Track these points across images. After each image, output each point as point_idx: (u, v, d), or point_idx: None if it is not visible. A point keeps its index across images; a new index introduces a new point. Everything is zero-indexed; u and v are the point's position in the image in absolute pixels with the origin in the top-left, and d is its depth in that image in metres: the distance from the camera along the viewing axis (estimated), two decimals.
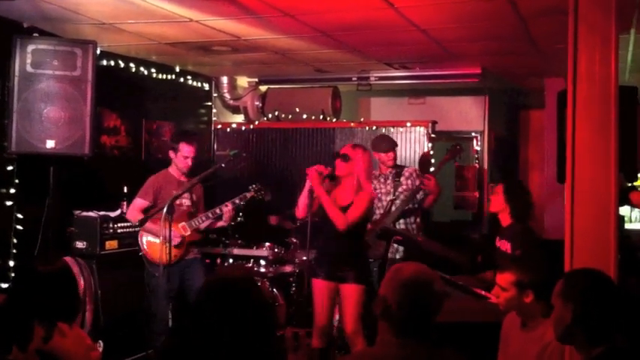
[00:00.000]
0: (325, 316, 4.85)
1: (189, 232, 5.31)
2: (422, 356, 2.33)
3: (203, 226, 5.43)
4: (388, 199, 6.03)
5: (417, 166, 6.71)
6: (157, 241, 5.03)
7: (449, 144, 8.22)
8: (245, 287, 2.30)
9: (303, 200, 4.83)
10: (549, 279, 3.19)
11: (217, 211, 5.34)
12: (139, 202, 5.33)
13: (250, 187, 5.48)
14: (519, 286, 3.25)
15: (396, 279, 2.41)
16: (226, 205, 5.32)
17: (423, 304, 2.36)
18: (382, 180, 6.13)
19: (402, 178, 6.07)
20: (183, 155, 5.39)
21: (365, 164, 4.82)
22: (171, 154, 5.47)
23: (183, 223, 5.30)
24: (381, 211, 6.03)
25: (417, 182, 5.96)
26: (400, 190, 6.02)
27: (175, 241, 5.17)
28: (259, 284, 2.45)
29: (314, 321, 4.93)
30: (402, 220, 5.98)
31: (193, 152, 5.43)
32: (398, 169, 6.15)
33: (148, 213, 5.21)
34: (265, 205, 5.85)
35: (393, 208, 5.96)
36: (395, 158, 6.15)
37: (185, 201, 5.38)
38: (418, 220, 6.11)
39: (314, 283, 4.91)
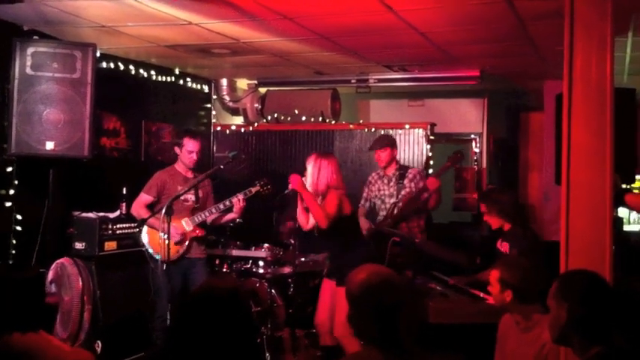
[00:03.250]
0: (325, 314, 4.91)
1: (191, 228, 5.32)
2: None
3: (210, 219, 5.42)
4: (391, 201, 5.95)
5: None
6: (159, 236, 5.05)
7: (448, 146, 8.27)
8: (230, 300, 2.30)
9: (302, 215, 5.04)
10: (534, 284, 3.23)
11: (227, 203, 5.32)
12: (144, 198, 5.37)
13: (256, 182, 5.44)
14: (502, 284, 3.32)
15: (347, 293, 2.38)
16: (237, 196, 5.29)
17: (377, 313, 2.28)
18: (385, 181, 6.05)
19: (406, 180, 5.95)
20: (187, 150, 5.41)
21: (315, 170, 4.91)
22: (177, 149, 5.51)
23: (186, 219, 5.31)
24: (384, 213, 5.97)
25: (421, 184, 5.87)
26: (403, 192, 5.92)
27: (176, 237, 5.18)
28: (247, 295, 2.43)
29: (315, 320, 5.04)
30: (404, 223, 5.89)
31: (198, 147, 5.45)
32: (402, 171, 6.04)
33: (153, 211, 5.21)
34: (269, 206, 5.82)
35: (396, 211, 5.88)
36: (387, 159, 5.99)
37: (190, 196, 5.38)
38: (422, 222, 6.00)
39: (322, 282, 5.09)
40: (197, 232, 5.38)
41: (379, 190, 6.07)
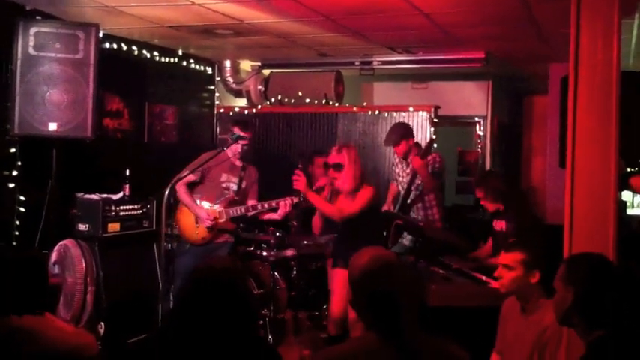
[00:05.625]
0: (340, 304, 4.86)
1: (224, 220, 5.23)
2: (406, 350, 2.18)
3: (251, 214, 5.31)
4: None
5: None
6: (189, 219, 5.16)
7: (452, 129, 8.27)
8: (230, 279, 2.30)
9: (317, 221, 5.04)
10: (552, 261, 3.21)
11: (273, 204, 5.19)
12: (188, 176, 5.23)
13: (296, 195, 5.13)
14: (527, 265, 3.26)
15: (350, 276, 2.32)
16: (284, 200, 5.13)
17: (374, 299, 2.22)
18: (404, 167, 5.95)
19: None
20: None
21: (353, 162, 4.86)
22: (228, 138, 5.40)
23: (222, 210, 5.23)
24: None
25: (437, 167, 5.71)
26: (419, 180, 5.72)
27: (207, 223, 5.16)
28: (245, 274, 2.43)
29: (329, 309, 5.02)
30: (422, 212, 5.80)
31: (248, 136, 5.32)
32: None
33: (192, 190, 5.25)
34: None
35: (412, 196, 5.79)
36: (404, 150, 5.81)
37: (232, 185, 5.32)
38: (441, 209, 5.88)
39: (331, 273, 5.07)
40: (228, 224, 5.31)
41: (399, 175, 6.03)
